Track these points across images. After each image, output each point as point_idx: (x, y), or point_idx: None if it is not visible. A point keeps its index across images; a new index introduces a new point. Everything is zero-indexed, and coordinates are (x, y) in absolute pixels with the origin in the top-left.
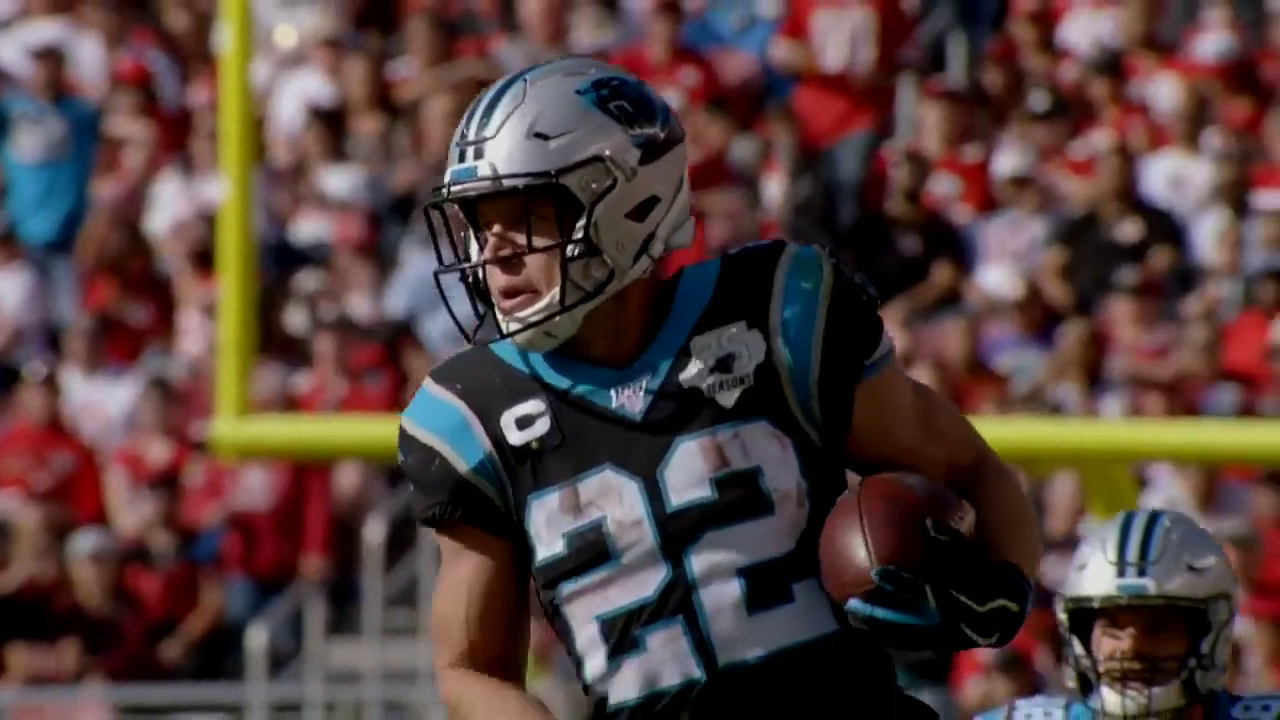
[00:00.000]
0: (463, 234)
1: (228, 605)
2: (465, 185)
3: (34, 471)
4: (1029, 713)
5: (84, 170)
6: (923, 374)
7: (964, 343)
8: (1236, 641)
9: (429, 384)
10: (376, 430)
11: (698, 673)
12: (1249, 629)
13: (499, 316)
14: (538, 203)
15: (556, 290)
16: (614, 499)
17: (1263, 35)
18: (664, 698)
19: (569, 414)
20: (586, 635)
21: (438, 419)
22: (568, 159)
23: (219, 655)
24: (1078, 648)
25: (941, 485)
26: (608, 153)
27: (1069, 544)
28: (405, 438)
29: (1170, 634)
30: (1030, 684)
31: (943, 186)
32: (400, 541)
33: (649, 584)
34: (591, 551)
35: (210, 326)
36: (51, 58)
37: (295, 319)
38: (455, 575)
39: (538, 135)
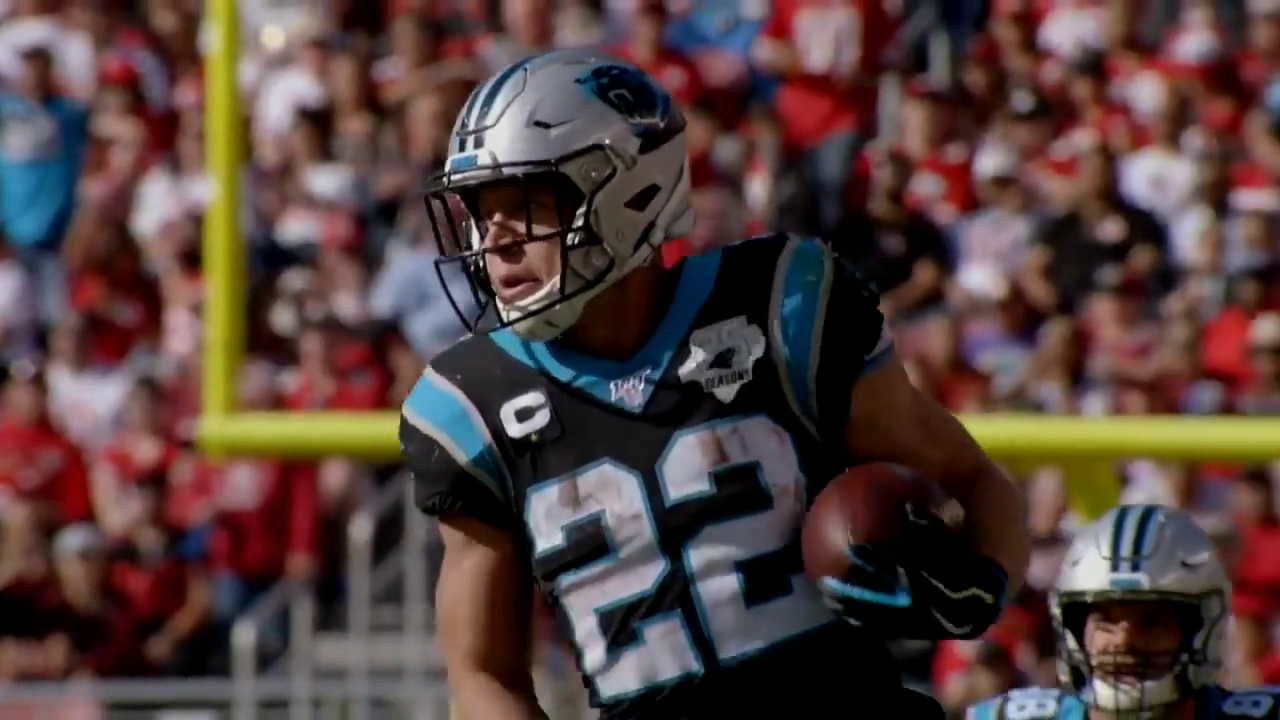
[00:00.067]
0: (464, 223)
1: (215, 603)
2: (465, 174)
3: (22, 469)
4: (1022, 704)
5: (72, 170)
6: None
7: (947, 342)
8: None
9: (430, 373)
10: (363, 429)
11: (696, 666)
12: (1229, 626)
13: (500, 305)
14: (538, 191)
15: (557, 279)
16: (613, 493)
17: (1243, 36)
18: (663, 691)
19: (569, 406)
20: (586, 627)
21: (438, 409)
22: (568, 147)
23: (206, 652)
24: (1071, 642)
25: (929, 479)
26: (608, 141)
27: (1052, 542)
28: (406, 426)
29: (1163, 629)
30: (1012, 680)
31: (926, 186)
32: (387, 539)
33: (647, 578)
34: (590, 545)
35: (198, 326)
36: (40, 58)
37: (282, 318)
38: (459, 567)
39: (538, 124)
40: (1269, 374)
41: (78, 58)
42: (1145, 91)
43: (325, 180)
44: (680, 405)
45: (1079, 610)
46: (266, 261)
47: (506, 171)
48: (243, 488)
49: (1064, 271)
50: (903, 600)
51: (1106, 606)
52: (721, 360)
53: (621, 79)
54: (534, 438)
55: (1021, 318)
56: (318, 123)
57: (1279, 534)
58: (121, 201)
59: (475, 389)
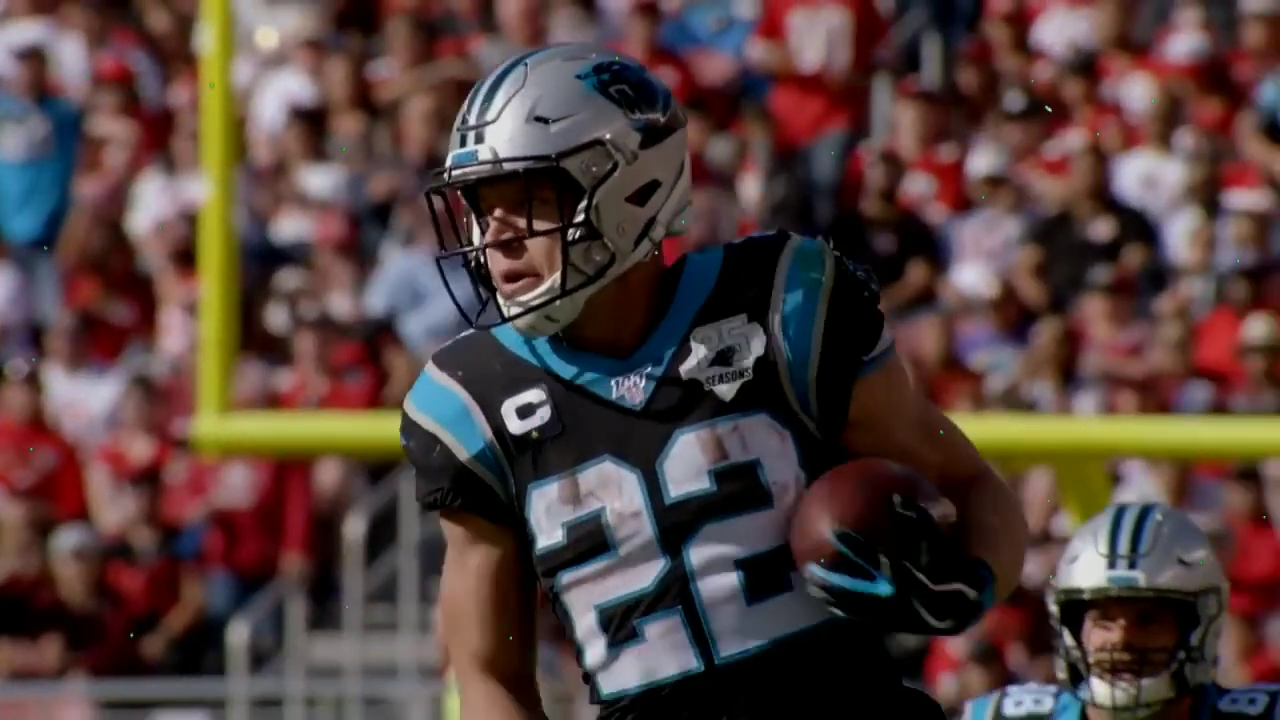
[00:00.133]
0: (464, 219)
1: (209, 601)
2: (466, 169)
3: (16, 468)
4: (1019, 700)
5: (67, 170)
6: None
7: (939, 341)
8: None
9: (431, 368)
10: (357, 428)
11: (696, 664)
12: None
13: (500, 301)
14: (538, 186)
15: (558, 274)
16: (613, 490)
17: (1234, 36)
18: (663, 688)
19: (569, 403)
20: (586, 624)
21: (439, 406)
22: (568, 143)
23: (200, 651)
24: (1068, 639)
25: (923, 476)
26: (608, 136)
27: (1043, 541)
28: (407, 422)
29: (1160, 626)
30: (1004, 679)
31: (918, 186)
32: (380, 538)
33: (647, 575)
34: (590, 542)
35: (192, 325)
36: (34, 58)
37: (276, 317)
38: (463, 566)
39: (538, 119)
40: (1260, 373)
41: (72, 57)
42: (1136, 91)
43: (319, 180)
44: (681, 403)
45: (1076, 607)
46: (260, 261)
47: (507, 167)
48: (237, 487)
49: (1055, 271)
50: (884, 589)
51: (1104, 604)
52: (722, 358)
53: (622, 74)
54: (535, 435)
55: (1013, 317)
56: (311, 122)
57: (1270, 533)
58: (116, 201)
59: (476, 385)
